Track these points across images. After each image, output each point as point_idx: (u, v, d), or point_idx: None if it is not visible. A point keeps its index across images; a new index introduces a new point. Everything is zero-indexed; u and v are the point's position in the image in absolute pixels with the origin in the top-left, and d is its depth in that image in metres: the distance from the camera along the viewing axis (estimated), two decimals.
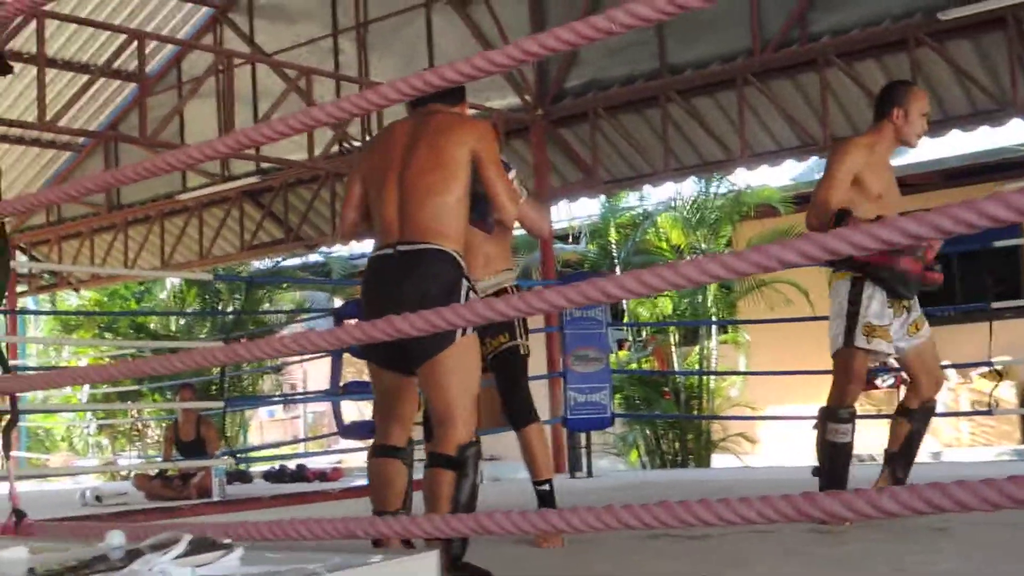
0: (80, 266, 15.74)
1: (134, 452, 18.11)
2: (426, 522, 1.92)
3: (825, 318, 5.05)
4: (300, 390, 20.89)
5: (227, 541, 1.56)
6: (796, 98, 10.55)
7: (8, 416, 2.61)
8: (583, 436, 9.83)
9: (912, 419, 4.99)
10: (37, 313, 19.65)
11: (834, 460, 4.89)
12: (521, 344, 4.86)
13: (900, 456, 4.99)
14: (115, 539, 1.67)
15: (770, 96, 10.52)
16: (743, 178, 13.39)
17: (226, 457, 9.14)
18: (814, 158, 11.55)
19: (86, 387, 18.45)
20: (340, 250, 17.64)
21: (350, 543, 1.92)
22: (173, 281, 17.54)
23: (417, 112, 3.99)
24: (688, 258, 14.14)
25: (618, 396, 14.89)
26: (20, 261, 16.77)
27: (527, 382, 4.96)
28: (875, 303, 4.78)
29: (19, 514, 2.48)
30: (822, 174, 4.92)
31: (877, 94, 5.17)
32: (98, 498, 9.14)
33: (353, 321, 3.73)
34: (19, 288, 17.18)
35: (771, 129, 10.79)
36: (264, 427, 22.99)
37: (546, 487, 4.92)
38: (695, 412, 14.29)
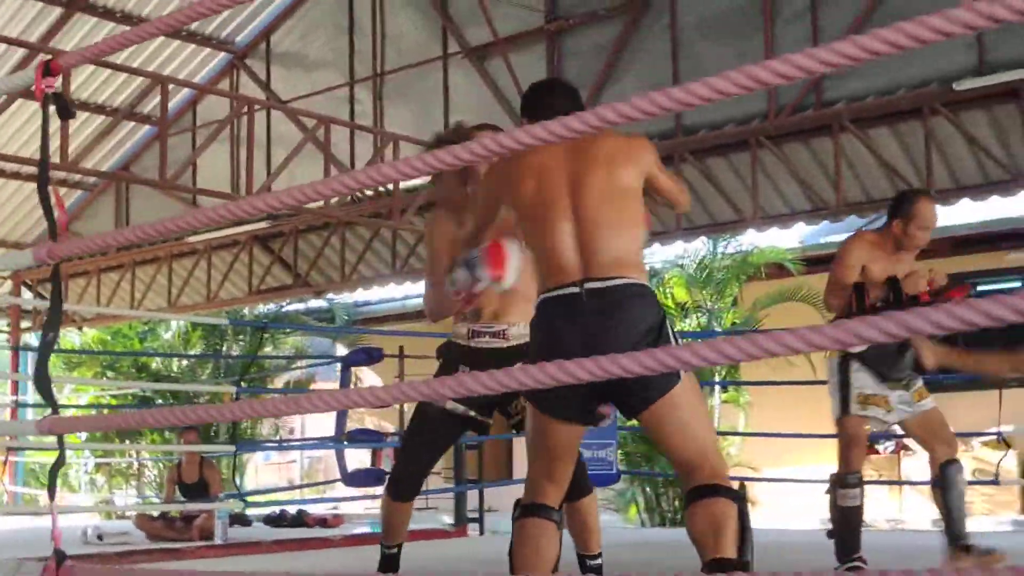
0: (87, 306, 15.72)
1: (131, 491, 18.02)
2: None
3: (825, 382, 5.36)
4: (297, 436, 20.84)
5: None
6: (810, 162, 10.61)
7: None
8: None
9: (939, 486, 5.23)
10: (35, 350, 19.60)
11: (845, 524, 5.18)
12: None
13: (950, 526, 5.21)
14: None
15: (784, 159, 10.59)
16: (752, 239, 13.42)
17: (231, 500, 9.10)
18: (825, 222, 11.61)
19: None
20: (344, 296, 17.55)
21: None
22: (179, 323, 17.50)
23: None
24: (693, 316, 14.06)
25: (620, 452, 14.85)
26: (26, 298, 16.80)
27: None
28: (863, 375, 5.12)
29: (60, 555, 2.46)
30: (835, 261, 5.21)
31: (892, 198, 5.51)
32: (99, 537, 9.10)
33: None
34: (23, 324, 17.20)
35: (784, 192, 10.85)
36: (260, 470, 22.92)
37: (599, 560, 4.41)
38: None
